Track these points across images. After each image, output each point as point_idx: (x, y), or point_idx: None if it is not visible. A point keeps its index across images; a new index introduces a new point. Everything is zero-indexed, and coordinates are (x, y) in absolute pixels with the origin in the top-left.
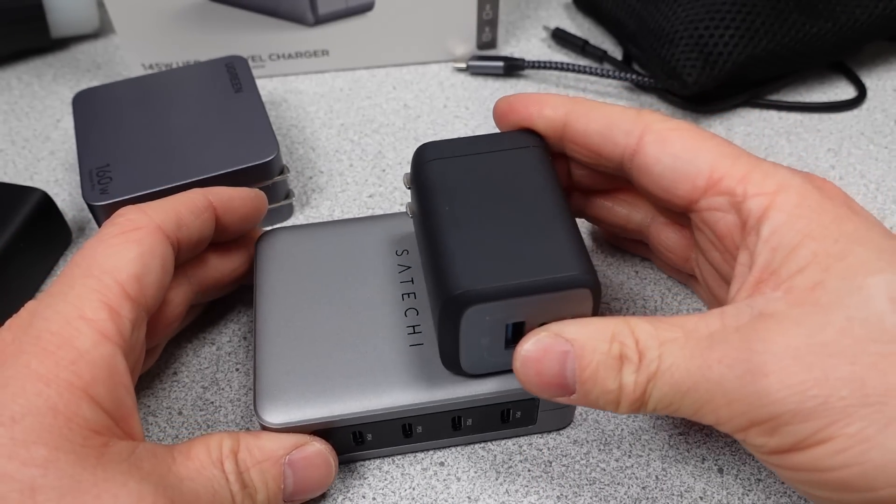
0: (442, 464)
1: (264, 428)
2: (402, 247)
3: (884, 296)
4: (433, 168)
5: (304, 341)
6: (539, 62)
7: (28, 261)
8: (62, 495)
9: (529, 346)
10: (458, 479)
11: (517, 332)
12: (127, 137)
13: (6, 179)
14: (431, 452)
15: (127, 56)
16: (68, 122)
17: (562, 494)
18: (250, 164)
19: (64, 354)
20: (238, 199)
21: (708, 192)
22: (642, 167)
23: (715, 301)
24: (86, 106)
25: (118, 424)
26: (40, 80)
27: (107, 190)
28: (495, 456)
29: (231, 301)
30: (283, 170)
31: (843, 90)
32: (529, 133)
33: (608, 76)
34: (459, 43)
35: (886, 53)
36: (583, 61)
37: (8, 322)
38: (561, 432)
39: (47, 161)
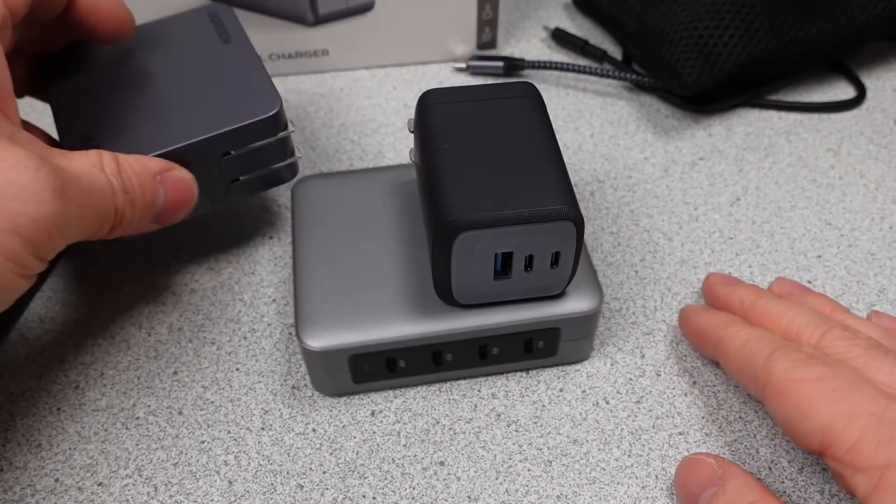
0: (442, 464)
1: (305, 349)
2: None
3: None
4: (435, 111)
5: (340, 275)
6: (539, 62)
7: None
8: None
9: (696, 458)
10: (458, 479)
11: (506, 263)
12: (109, 101)
13: None
14: (432, 452)
15: None
16: None
17: (562, 494)
18: (252, 121)
19: None
20: None
21: (823, 454)
22: (771, 414)
23: None
24: (59, 69)
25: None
26: None
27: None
28: (495, 456)
29: (232, 301)
30: (286, 125)
31: (842, 90)
32: (526, 84)
33: (608, 76)
34: (459, 43)
35: (886, 53)
36: (583, 61)
37: None
38: (561, 431)
39: None
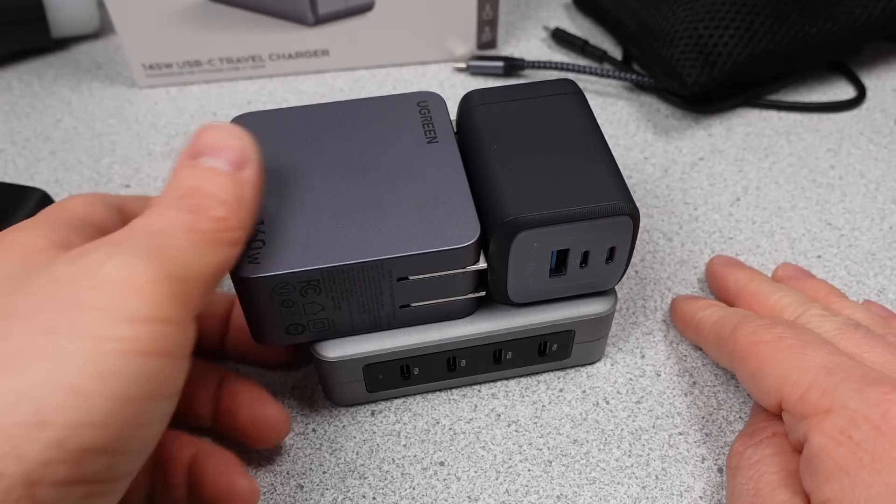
0: (442, 464)
1: (318, 359)
2: None
3: None
4: (480, 112)
5: None
6: (539, 62)
7: None
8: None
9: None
10: (458, 479)
11: (561, 261)
12: (280, 195)
13: (7, 179)
14: (432, 452)
15: (127, 56)
16: (69, 123)
17: (562, 494)
18: (443, 249)
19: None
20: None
21: (781, 409)
22: (739, 381)
23: None
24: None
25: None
26: (41, 80)
27: (256, 259)
28: (495, 456)
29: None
30: (478, 258)
31: (842, 90)
32: (567, 81)
33: (608, 76)
34: (459, 43)
35: (886, 53)
36: (583, 61)
37: None
38: (561, 431)
39: (48, 161)
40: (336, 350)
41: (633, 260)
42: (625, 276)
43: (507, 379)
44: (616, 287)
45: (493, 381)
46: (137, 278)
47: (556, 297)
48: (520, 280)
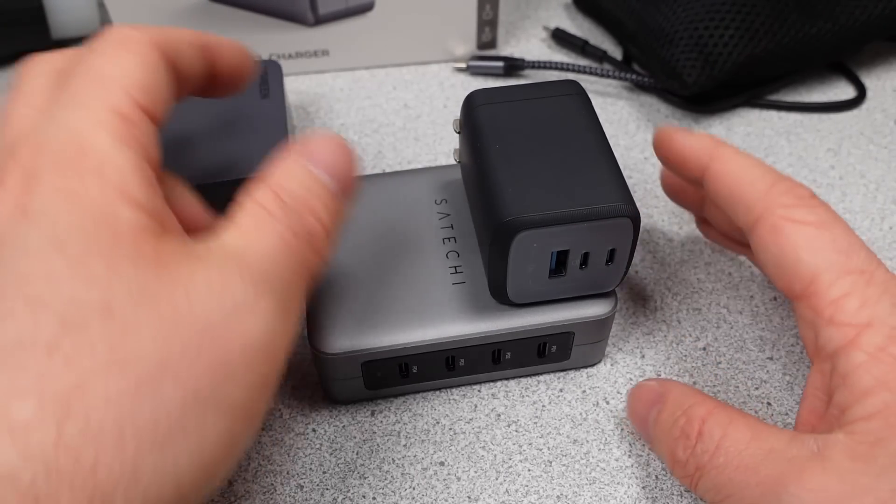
0: (442, 464)
1: (317, 355)
2: (441, 196)
3: None
4: (483, 112)
5: (353, 281)
6: (539, 62)
7: None
8: (137, 304)
9: (637, 388)
10: (458, 479)
11: (561, 262)
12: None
13: None
14: (432, 452)
15: None
16: None
17: (562, 494)
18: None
19: (86, 163)
20: (229, 48)
21: (801, 300)
22: (755, 247)
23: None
24: None
25: (157, 221)
26: None
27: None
28: (495, 456)
29: None
30: None
31: (842, 90)
32: (571, 82)
33: (608, 76)
34: (459, 43)
35: (886, 53)
36: (583, 61)
37: (17, 152)
38: (561, 431)
39: None
40: (335, 345)
41: (633, 260)
42: (625, 277)
43: (506, 380)
44: (616, 288)
45: (492, 381)
46: (273, 338)
47: (556, 299)
48: (519, 280)
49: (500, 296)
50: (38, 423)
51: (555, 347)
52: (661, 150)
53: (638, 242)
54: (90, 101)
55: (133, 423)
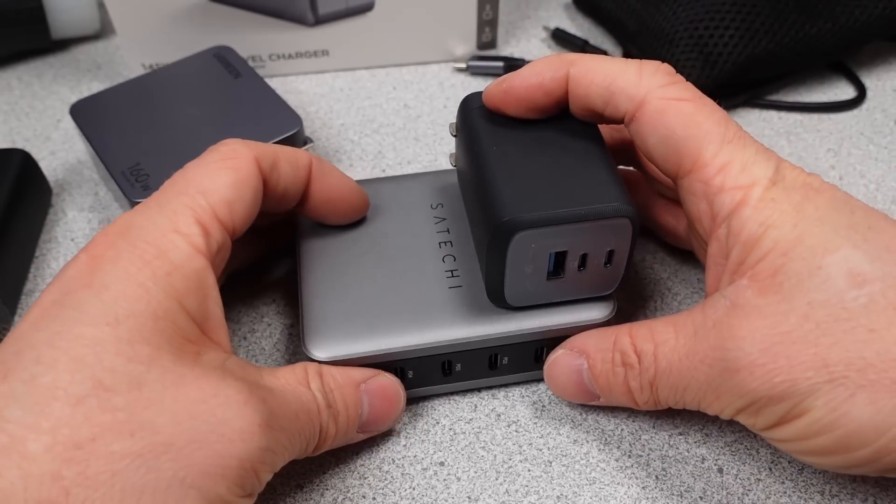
0: (442, 464)
1: (312, 360)
2: (437, 201)
3: (841, 273)
4: (480, 114)
5: (348, 285)
6: None
7: (20, 220)
8: (165, 388)
9: (550, 363)
10: (458, 479)
11: (559, 263)
12: (146, 136)
13: None
14: (432, 452)
15: (127, 56)
16: (69, 123)
17: (562, 494)
18: (278, 138)
19: (160, 265)
20: (336, 178)
21: (689, 175)
22: (639, 133)
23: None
24: (87, 114)
25: (208, 335)
26: (41, 81)
27: (148, 186)
28: (495, 456)
29: (231, 301)
30: (306, 141)
31: (842, 90)
32: None
33: None
34: (459, 43)
35: (886, 53)
36: None
37: (105, 228)
38: (561, 431)
39: (48, 161)
40: (329, 350)
41: (633, 260)
42: (624, 281)
43: (504, 386)
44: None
45: (490, 387)
46: (262, 468)
47: (554, 302)
48: (517, 282)
49: (498, 299)
50: (45, 458)
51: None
52: (512, 90)
53: (637, 242)
54: (179, 208)
55: (125, 481)
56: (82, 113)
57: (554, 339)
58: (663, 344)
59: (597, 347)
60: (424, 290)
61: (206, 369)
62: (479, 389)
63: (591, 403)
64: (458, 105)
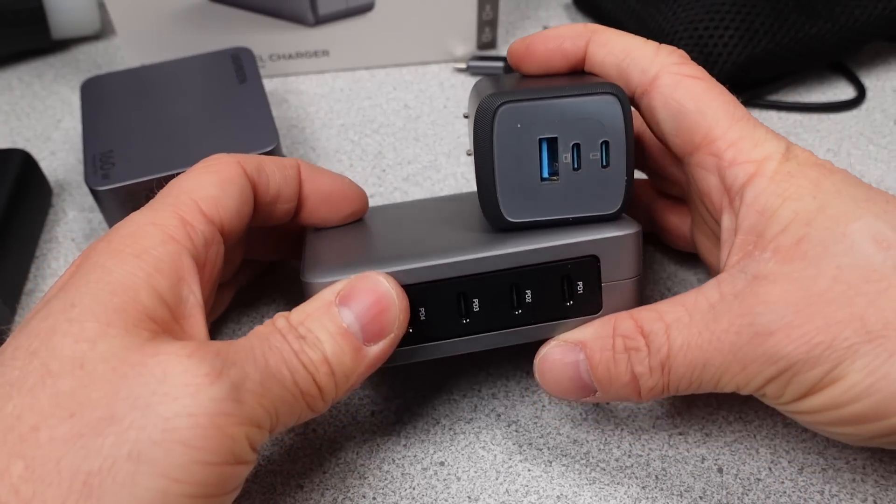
0: (442, 464)
1: (304, 285)
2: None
3: (867, 239)
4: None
5: (353, 232)
6: None
7: (21, 221)
8: (107, 360)
9: (542, 355)
10: (458, 479)
11: (552, 157)
12: (131, 124)
13: None
14: (432, 452)
15: (127, 57)
16: (69, 123)
17: (562, 494)
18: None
19: (129, 250)
20: (326, 177)
21: (700, 150)
22: (650, 108)
23: (713, 267)
24: (93, 93)
25: (178, 321)
26: (41, 81)
27: (108, 175)
28: (495, 456)
29: (230, 301)
30: None
31: (842, 90)
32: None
33: None
34: (459, 43)
35: (886, 53)
36: None
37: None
38: (561, 431)
39: (48, 161)
40: (322, 276)
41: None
42: (630, 199)
43: (529, 342)
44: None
45: (513, 343)
46: (227, 420)
47: (559, 220)
48: (510, 182)
49: (494, 213)
50: None
51: (581, 285)
52: (533, 49)
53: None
54: (160, 207)
55: (71, 469)
56: (88, 91)
57: (579, 261)
58: (676, 322)
59: (594, 336)
60: (430, 225)
61: (156, 348)
62: (479, 389)
63: (585, 401)
64: (458, 105)
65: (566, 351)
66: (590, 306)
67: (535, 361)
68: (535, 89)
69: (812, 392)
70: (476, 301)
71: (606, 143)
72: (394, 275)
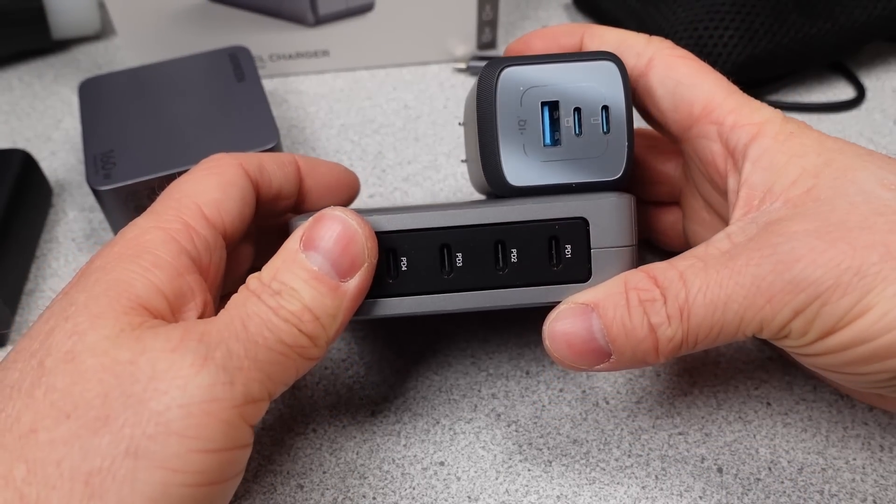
0: (442, 464)
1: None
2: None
3: (876, 184)
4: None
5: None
6: None
7: (21, 221)
8: (96, 355)
9: (552, 320)
10: (458, 479)
11: (554, 124)
12: (131, 124)
13: None
14: (432, 452)
15: (128, 57)
16: (69, 123)
17: (562, 494)
18: (253, 151)
19: (130, 252)
20: (324, 167)
21: (700, 120)
22: (647, 88)
23: None
24: (92, 93)
25: (177, 315)
26: (41, 81)
27: (110, 175)
28: (495, 456)
29: None
30: None
31: (842, 90)
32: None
33: None
34: (459, 43)
35: (886, 54)
36: None
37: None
38: (561, 431)
39: (48, 161)
40: (300, 219)
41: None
42: (631, 166)
43: (513, 307)
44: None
45: (499, 305)
46: (218, 405)
47: (561, 186)
48: (513, 146)
49: (497, 179)
50: None
51: (569, 248)
52: (531, 44)
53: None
54: (163, 210)
55: (72, 470)
56: (86, 92)
57: (567, 222)
58: (690, 267)
59: (606, 293)
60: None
61: (144, 337)
62: (479, 389)
63: (600, 369)
64: (458, 105)
65: (577, 312)
66: (578, 272)
67: (543, 329)
68: (536, 56)
69: (839, 327)
70: (459, 255)
71: (607, 108)
72: (375, 221)
